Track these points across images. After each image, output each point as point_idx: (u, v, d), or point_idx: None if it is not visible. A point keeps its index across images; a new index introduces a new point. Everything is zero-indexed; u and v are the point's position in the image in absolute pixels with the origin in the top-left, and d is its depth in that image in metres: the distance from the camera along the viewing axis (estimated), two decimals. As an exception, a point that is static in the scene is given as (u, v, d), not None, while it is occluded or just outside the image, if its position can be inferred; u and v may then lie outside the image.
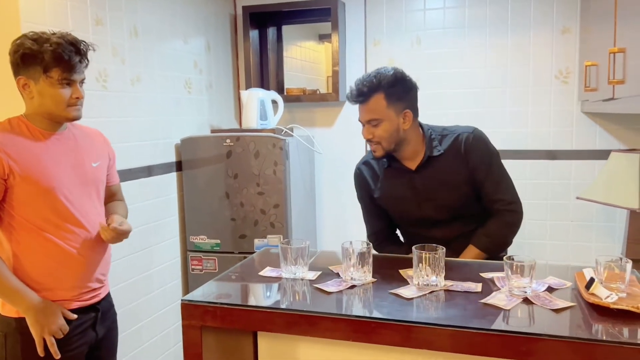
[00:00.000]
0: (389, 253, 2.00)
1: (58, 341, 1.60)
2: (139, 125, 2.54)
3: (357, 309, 1.38)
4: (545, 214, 2.97)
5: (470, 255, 1.87)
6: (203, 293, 1.52)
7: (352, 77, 3.23)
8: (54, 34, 1.56)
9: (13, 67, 1.55)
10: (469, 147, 1.87)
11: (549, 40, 2.89)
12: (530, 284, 1.40)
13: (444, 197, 1.88)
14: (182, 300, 1.45)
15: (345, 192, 3.30)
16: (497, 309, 1.31)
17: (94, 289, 1.73)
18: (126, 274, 2.48)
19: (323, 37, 3.72)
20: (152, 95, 2.63)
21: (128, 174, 2.46)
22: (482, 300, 1.36)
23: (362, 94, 1.81)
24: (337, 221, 3.35)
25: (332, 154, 3.31)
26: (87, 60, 1.62)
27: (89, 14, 2.23)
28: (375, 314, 1.33)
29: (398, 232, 2.11)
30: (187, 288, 2.91)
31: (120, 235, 1.70)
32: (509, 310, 1.31)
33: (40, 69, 1.52)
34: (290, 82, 3.47)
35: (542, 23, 2.88)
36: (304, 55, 3.69)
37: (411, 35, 3.11)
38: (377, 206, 2.01)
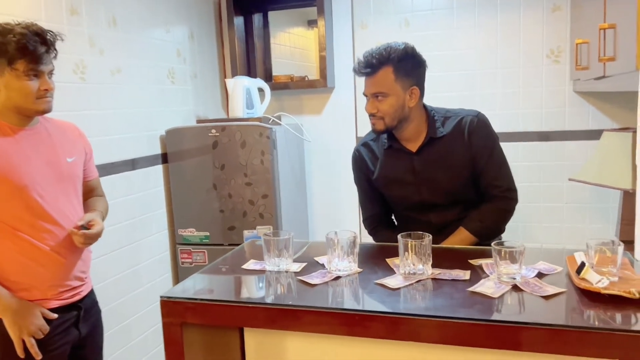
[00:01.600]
0: (383, 238, 1.97)
1: (39, 341, 1.56)
2: (121, 118, 2.48)
3: (341, 301, 1.34)
4: (538, 196, 2.93)
5: (460, 237, 1.83)
6: (183, 289, 1.47)
7: (340, 62, 3.18)
8: (18, 24, 1.50)
9: None
10: (472, 130, 1.82)
11: (539, 19, 2.82)
12: (519, 270, 1.35)
13: (443, 180, 1.84)
14: (160, 297, 1.40)
15: (336, 180, 3.26)
16: (485, 297, 1.27)
17: (74, 287, 1.69)
18: (113, 270, 2.43)
19: (312, 23, 3.64)
20: (134, 86, 2.57)
21: (111, 168, 2.40)
22: (470, 289, 1.32)
23: (371, 65, 1.76)
24: (329, 210, 3.30)
25: (322, 142, 3.25)
26: (55, 51, 1.55)
27: (63, 3, 2.15)
28: (359, 306, 1.29)
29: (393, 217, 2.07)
30: (177, 282, 2.87)
31: (90, 239, 1.64)
32: (497, 298, 1.27)
33: (5, 62, 1.47)
34: (279, 69, 3.40)
35: (532, 1, 2.82)
36: (292, 42, 3.62)
37: (399, 18, 3.04)
38: (374, 189, 1.97)
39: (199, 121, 2.96)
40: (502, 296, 1.27)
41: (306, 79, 3.26)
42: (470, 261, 1.53)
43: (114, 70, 2.44)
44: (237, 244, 2.71)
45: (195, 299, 1.37)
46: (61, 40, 1.58)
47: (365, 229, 2.06)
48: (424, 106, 1.88)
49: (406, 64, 1.77)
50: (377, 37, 3.08)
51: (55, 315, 1.61)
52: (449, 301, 1.27)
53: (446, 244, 1.83)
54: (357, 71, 1.80)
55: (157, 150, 2.75)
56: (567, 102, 2.84)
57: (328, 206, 3.30)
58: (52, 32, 1.54)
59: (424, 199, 1.87)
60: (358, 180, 2.02)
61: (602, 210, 2.83)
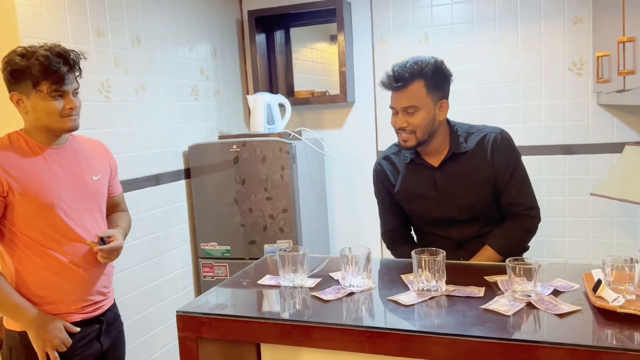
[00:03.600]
0: (401, 252, 1.97)
1: (62, 354, 1.61)
2: (145, 134, 2.55)
3: (353, 318, 1.34)
4: (563, 211, 2.88)
5: (485, 255, 1.82)
6: (199, 304, 1.50)
7: (360, 77, 3.20)
8: (41, 46, 1.56)
9: (6, 84, 1.56)
10: (496, 147, 1.82)
11: (560, 31, 2.80)
12: (534, 287, 1.34)
13: (464, 196, 1.83)
14: (177, 311, 1.43)
15: (357, 193, 3.27)
16: (498, 315, 1.26)
17: (97, 302, 1.73)
18: (137, 283, 2.48)
19: (334, 38, 3.68)
20: (158, 103, 2.63)
21: (135, 184, 2.46)
22: (483, 306, 1.31)
23: (402, 79, 1.75)
24: (350, 224, 3.31)
25: (343, 156, 3.27)
26: (79, 69, 1.61)
27: (89, 25, 2.24)
28: (371, 323, 1.29)
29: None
30: (199, 295, 2.91)
31: (108, 254, 1.69)
32: (510, 316, 1.26)
33: (30, 84, 1.53)
34: (301, 85, 3.44)
35: (553, 13, 2.79)
36: (315, 57, 3.66)
37: (419, 32, 3.05)
38: (394, 203, 1.98)
39: (221, 137, 3.02)
40: (515, 314, 1.26)
41: (327, 94, 3.29)
42: (486, 278, 1.52)
43: (138, 89, 2.51)
44: (258, 258, 2.74)
45: (210, 314, 1.40)
46: (84, 59, 1.64)
47: (384, 242, 2.06)
48: (447, 121, 1.89)
49: (437, 78, 1.77)
50: (397, 52, 3.10)
51: (78, 329, 1.66)
52: (461, 319, 1.26)
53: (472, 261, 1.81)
54: (387, 85, 1.79)
55: (180, 165, 2.81)
56: (590, 115, 2.79)
57: (348, 220, 3.30)
58: (75, 51, 1.60)
59: (445, 214, 1.87)
60: (378, 194, 2.03)
61: (629, 225, 2.77)
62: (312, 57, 3.62)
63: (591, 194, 2.25)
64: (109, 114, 2.34)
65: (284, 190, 2.70)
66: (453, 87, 3.09)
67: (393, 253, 2.04)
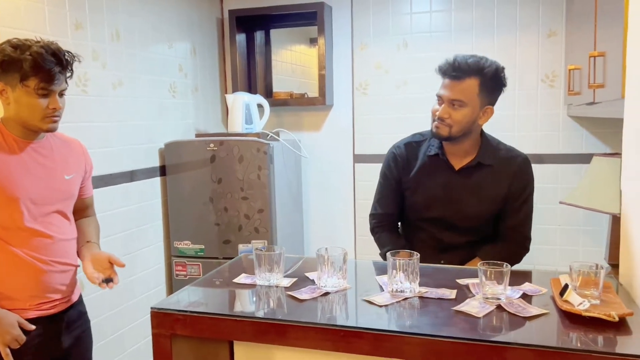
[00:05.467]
0: (383, 240, 1.97)
1: (15, 352, 1.56)
2: (121, 130, 2.52)
3: (328, 317, 1.36)
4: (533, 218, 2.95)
5: (473, 265, 1.85)
6: (174, 301, 1.49)
7: (339, 81, 3.23)
8: (38, 42, 1.53)
9: None
10: (520, 171, 1.86)
11: (535, 44, 2.88)
12: (504, 290, 1.38)
13: (473, 206, 1.85)
14: (151, 308, 1.42)
15: (332, 196, 3.29)
16: (469, 317, 1.29)
17: (55, 300, 1.68)
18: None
19: (314, 41, 3.70)
20: (135, 99, 2.61)
21: (109, 180, 2.44)
22: (455, 308, 1.34)
23: (461, 70, 1.74)
24: (324, 226, 3.33)
25: (320, 158, 3.29)
26: (71, 71, 1.59)
27: (67, 17, 2.21)
28: (345, 322, 1.31)
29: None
30: (171, 294, 2.89)
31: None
32: (480, 318, 1.29)
33: (18, 77, 1.50)
34: (280, 86, 3.45)
35: (528, 26, 2.87)
36: (294, 59, 3.68)
37: (398, 39, 3.10)
38: (397, 190, 1.96)
39: (198, 135, 3.00)
40: (486, 316, 1.30)
41: (306, 96, 3.31)
42: (458, 281, 1.56)
43: (115, 84, 2.49)
44: (232, 258, 2.73)
45: (185, 311, 1.39)
46: (79, 62, 1.61)
47: (370, 223, 2.04)
48: (481, 129, 1.90)
49: (493, 82, 1.77)
50: (376, 58, 3.14)
51: (33, 327, 1.60)
52: (433, 319, 1.29)
53: None
54: (444, 72, 1.77)
55: (156, 162, 2.79)
56: (561, 126, 2.88)
57: (324, 222, 3.33)
58: (70, 52, 1.57)
59: (446, 216, 1.88)
60: (387, 175, 1.98)
61: (595, 233, 2.86)
62: (291, 59, 3.63)
63: (560, 203, 2.32)
64: (85, 108, 2.31)
65: (260, 190, 2.70)
66: (429, 94, 3.14)
67: (375, 237, 2.02)
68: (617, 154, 2.23)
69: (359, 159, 3.23)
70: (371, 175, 3.18)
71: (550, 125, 2.89)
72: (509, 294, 1.40)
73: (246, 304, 1.50)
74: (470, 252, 1.91)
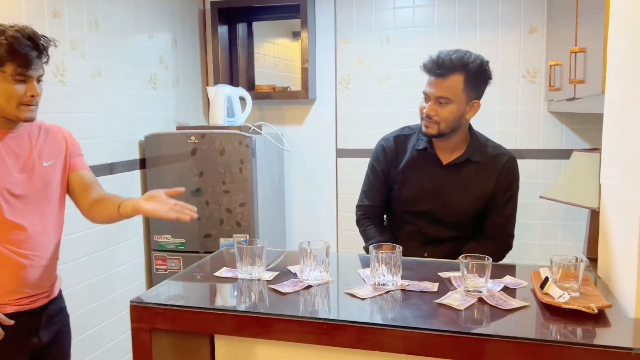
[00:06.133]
0: (368, 233, 1.97)
1: None
2: (100, 121, 2.48)
3: (310, 310, 1.35)
4: (512, 213, 2.98)
5: None
6: (153, 294, 1.47)
7: (322, 75, 3.21)
8: (12, 26, 1.48)
9: None
10: (507, 169, 1.87)
11: (516, 40, 2.90)
12: (485, 283, 1.39)
13: (459, 201, 1.87)
14: (131, 302, 1.40)
15: (314, 190, 3.28)
16: (451, 309, 1.30)
17: (34, 295, 1.65)
18: (86, 275, 2.41)
19: (297, 35, 3.69)
20: (114, 90, 2.57)
21: (88, 172, 2.39)
22: (437, 301, 1.34)
23: (445, 67, 1.74)
24: (306, 220, 3.32)
25: (302, 152, 3.28)
26: (47, 56, 1.54)
27: (45, 5, 2.16)
28: (328, 315, 1.30)
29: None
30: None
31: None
32: (462, 310, 1.29)
33: None
34: (262, 79, 3.43)
35: (510, 22, 2.89)
36: (277, 52, 3.65)
37: (381, 34, 3.10)
38: (385, 183, 1.97)
39: (178, 128, 2.96)
40: (467, 308, 1.30)
41: (288, 89, 3.29)
42: (440, 274, 1.56)
43: (94, 74, 2.44)
44: (213, 252, 2.70)
45: (165, 305, 1.37)
46: (54, 47, 1.57)
47: (357, 215, 2.05)
48: (469, 125, 1.91)
49: (478, 77, 1.78)
50: (359, 52, 3.13)
51: (11, 322, 1.56)
52: (415, 312, 1.29)
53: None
54: (428, 69, 1.78)
55: (136, 155, 2.75)
56: (541, 122, 2.91)
57: (306, 216, 3.32)
58: (46, 37, 1.53)
59: (433, 210, 1.89)
60: (375, 168, 1.99)
61: (573, 228, 2.90)
62: (274, 53, 3.61)
63: (540, 197, 2.34)
64: (63, 98, 2.26)
65: (242, 184, 2.68)
66: (411, 89, 3.15)
67: (361, 229, 2.03)
68: (597, 149, 2.26)
69: (341, 153, 3.22)
70: (354, 170, 3.18)
71: (531, 121, 2.92)
72: (490, 286, 1.41)
73: (227, 298, 1.49)
74: (454, 247, 1.92)
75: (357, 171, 3.19)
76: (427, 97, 1.81)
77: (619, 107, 1.34)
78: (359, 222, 2.04)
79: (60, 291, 1.78)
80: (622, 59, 1.32)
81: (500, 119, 2.96)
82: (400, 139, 1.97)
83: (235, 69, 3.37)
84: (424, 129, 1.83)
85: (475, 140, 1.89)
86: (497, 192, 1.87)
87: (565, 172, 2.27)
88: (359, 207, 2.05)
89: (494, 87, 2.93)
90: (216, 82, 3.22)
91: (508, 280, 1.49)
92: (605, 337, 1.17)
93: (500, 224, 1.90)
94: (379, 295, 1.40)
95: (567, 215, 2.89)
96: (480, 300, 1.35)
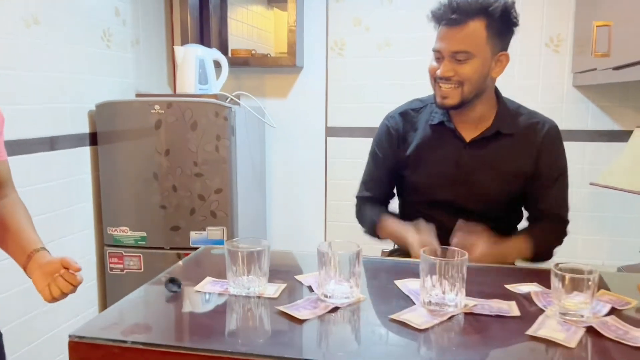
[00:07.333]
0: (368, 213, 1.61)
1: None
2: (38, 83, 1.94)
3: (352, 351, 0.90)
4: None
5: (517, 244, 1.44)
6: (107, 322, 0.99)
7: (310, 39, 2.74)
8: None
9: None
10: (549, 141, 1.47)
11: (539, 1, 2.50)
12: (590, 304, 0.97)
13: (489, 186, 1.46)
14: (70, 336, 0.92)
15: (300, 174, 2.82)
16: (556, 346, 0.88)
17: None
18: (21, 277, 1.87)
19: (272, 1, 3.22)
20: (56, 44, 2.02)
21: (22, 146, 1.87)
22: (530, 332, 0.92)
23: (462, 11, 1.33)
24: (291, 209, 2.86)
25: (286, 131, 2.81)
26: None
27: None
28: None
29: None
30: (104, 292, 2.34)
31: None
32: (573, 349, 0.87)
33: None
34: (236, 46, 2.92)
35: (533, -19, 2.49)
36: (251, 20, 3.18)
37: (381, -9, 2.64)
38: (391, 172, 1.59)
39: (138, 96, 2.44)
40: (580, 345, 0.88)
41: (269, 56, 2.80)
42: (509, 287, 1.14)
43: (29, 21, 1.90)
44: (182, 249, 2.24)
45: (124, 342, 0.90)
46: None
47: (355, 207, 1.69)
48: (496, 89, 1.51)
49: (503, 22, 1.37)
50: (355, 12, 2.68)
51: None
52: (507, 353, 0.86)
53: (495, 248, 1.37)
54: (439, 16, 1.37)
55: (85, 128, 2.22)
56: (564, 98, 2.53)
57: (290, 204, 2.86)
58: None
59: (456, 200, 1.48)
60: (376, 154, 1.61)
61: (624, 221, 2.52)
62: (247, 19, 3.14)
63: (592, 184, 1.96)
64: (-16, 48, 1.72)
65: (218, 165, 2.19)
66: (417, 57, 2.70)
67: (359, 219, 1.67)
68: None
69: (332, 132, 2.77)
70: (346, 152, 2.74)
71: (553, 97, 2.54)
72: (595, 308, 1.00)
73: (218, 327, 1.01)
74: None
75: (349, 153, 2.75)
76: (439, 55, 1.40)
77: None
78: (357, 215, 1.68)
79: None
80: None
81: (517, 94, 2.56)
82: (409, 114, 1.58)
83: (206, 30, 2.85)
84: (439, 99, 1.43)
85: (504, 108, 1.49)
86: (541, 172, 1.47)
87: (625, 155, 1.88)
88: (358, 199, 1.68)
89: (512, 57, 2.57)
90: (184, 43, 2.70)
91: (607, 297, 1.08)
92: None
93: (551, 209, 1.50)
94: (439, 323, 0.97)
95: (619, 205, 2.50)
96: (591, 330, 0.93)
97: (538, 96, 2.55)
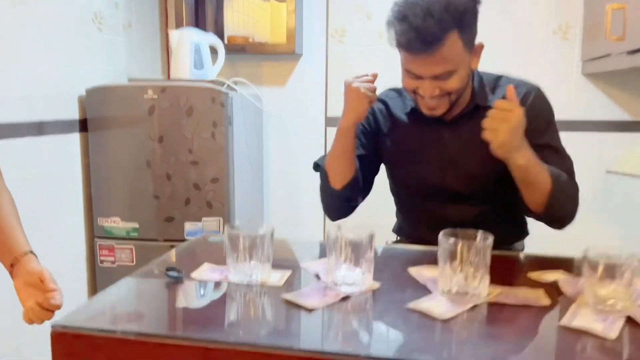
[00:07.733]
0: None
1: None
2: (25, 66, 1.84)
3: (370, 342, 0.81)
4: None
5: (541, 169, 1.23)
6: (89, 313, 0.90)
7: (310, 26, 2.65)
8: None
9: None
10: (533, 106, 1.31)
11: (547, -14, 2.43)
12: (627, 292, 0.89)
13: (477, 163, 1.35)
14: (52, 326, 0.83)
15: (299, 164, 2.73)
16: (596, 339, 0.79)
17: None
18: (5, 270, 1.79)
19: (269, -8, 3.13)
20: (45, 25, 1.92)
21: (7, 131, 1.77)
22: (563, 323, 0.83)
23: (433, 36, 1.18)
24: (288, 200, 2.77)
25: (284, 120, 2.71)
26: None
27: None
28: (400, 354, 0.77)
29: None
30: (94, 286, 2.24)
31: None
32: (612, 340, 0.79)
33: None
34: (232, 34, 2.82)
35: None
36: (248, 10, 3.08)
37: (384, -24, 2.55)
38: (371, 165, 1.46)
39: (131, 81, 2.33)
40: (619, 337, 0.80)
41: (267, 44, 2.71)
42: (531, 275, 1.06)
43: (15, 1, 1.80)
44: (176, 240, 2.14)
45: (111, 332, 0.80)
46: None
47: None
48: None
49: (469, 17, 1.24)
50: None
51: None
52: (541, 345, 0.78)
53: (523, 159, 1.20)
54: (408, 47, 1.22)
55: (74, 114, 2.12)
56: (573, 87, 2.45)
57: (287, 195, 2.76)
58: None
59: (447, 184, 1.38)
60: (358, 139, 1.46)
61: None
62: (244, 10, 3.04)
63: (608, 172, 1.88)
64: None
65: (215, 153, 2.10)
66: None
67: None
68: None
69: (332, 122, 2.67)
70: (346, 142, 2.66)
71: (561, 87, 2.46)
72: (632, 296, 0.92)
73: (216, 318, 0.92)
74: (487, 229, 1.39)
75: (350, 143, 2.66)
76: (414, 76, 1.27)
77: None
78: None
79: None
80: None
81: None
82: (385, 102, 1.47)
83: (201, 15, 2.75)
84: (426, 110, 1.31)
85: (481, 81, 1.39)
86: (531, 138, 1.25)
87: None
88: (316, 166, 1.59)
89: (518, 44, 2.50)
90: (178, 27, 2.60)
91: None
92: None
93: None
94: (461, 312, 0.88)
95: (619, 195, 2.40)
96: (630, 320, 0.85)
97: (546, 85, 2.47)
